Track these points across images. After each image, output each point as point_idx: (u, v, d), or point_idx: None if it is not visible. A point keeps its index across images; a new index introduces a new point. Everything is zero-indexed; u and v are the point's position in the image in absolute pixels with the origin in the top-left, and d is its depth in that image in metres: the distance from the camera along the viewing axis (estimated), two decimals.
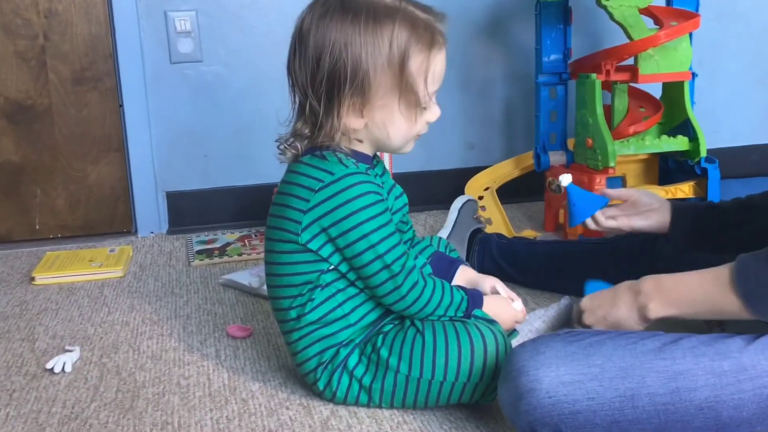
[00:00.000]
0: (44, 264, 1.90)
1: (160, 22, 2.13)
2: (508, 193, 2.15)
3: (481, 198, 2.11)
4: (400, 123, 1.13)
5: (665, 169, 2.03)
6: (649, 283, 1.10)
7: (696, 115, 1.95)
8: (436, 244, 1.37)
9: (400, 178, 2.25)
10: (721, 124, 2.41)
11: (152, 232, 2.20)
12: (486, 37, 2.32)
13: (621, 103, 1.97)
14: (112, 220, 2.21)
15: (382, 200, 1.13)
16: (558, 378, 0.93)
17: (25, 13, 2.06)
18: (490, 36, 2.32)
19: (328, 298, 1.15)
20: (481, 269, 1.72)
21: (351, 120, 1.12)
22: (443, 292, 1.16)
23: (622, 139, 1.89)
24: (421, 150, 2.35)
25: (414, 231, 1.34)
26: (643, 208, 1.42)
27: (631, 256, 1.53)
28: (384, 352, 1.13)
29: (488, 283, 1.28)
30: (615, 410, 0.93)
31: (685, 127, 1.95)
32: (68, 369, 1.35)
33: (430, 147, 2.33)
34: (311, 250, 1.13)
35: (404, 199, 1.26)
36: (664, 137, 1.93)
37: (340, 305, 1.15)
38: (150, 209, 2.20)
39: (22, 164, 2.12)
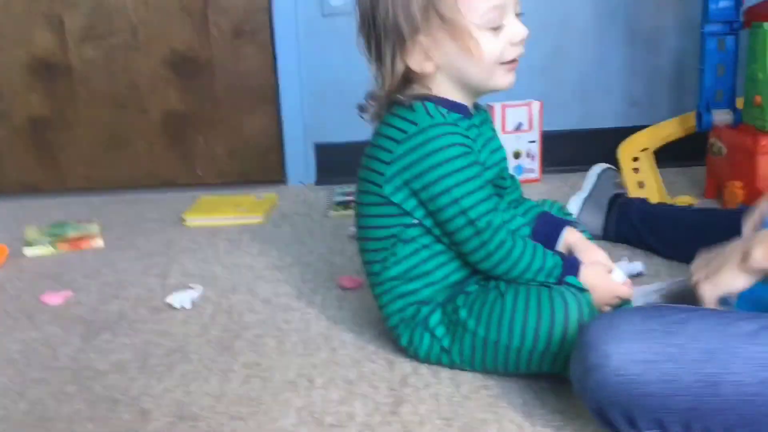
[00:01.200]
0: (196, 207, 2.02)
1: None
2: (670, 155, 1.97)
3: (636, 159, 1.95)
4: (463, 54, 1.06)
5: None
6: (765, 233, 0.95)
7: None
8: (548, 207, 1.28)
9: (552, 137, 2.15)
10: None
11: (301, 182, 2.27)
12: None
13: None
14: (265, 169, 2.30)
15: (469, 152, 1.07)
16: (629, 355, 0.84)
17: None
18: None
19: (411, 253, 1.11)
20: (618, 235, 1.61)
21: (417, 64, 1.07)
22: (534, 254, 1.08)
23: None
24: (577, 106, 2.21)
25: (521, 191, 1.26)
26: None
27: None
28: (463, 313, 1.08)
29: (591, 255, 1.15)
30: (694, 397, 0.82)
31: None
32: (188, 306, 1.43)
33: (588, 103, 2.19)
34: (395, 203, 1.10)
35: (502, 153, 1.18)
36: None
37: (423, 261, 1.11)
38: (299, 160, 2.27)
39: (186, 113, 2.26)
